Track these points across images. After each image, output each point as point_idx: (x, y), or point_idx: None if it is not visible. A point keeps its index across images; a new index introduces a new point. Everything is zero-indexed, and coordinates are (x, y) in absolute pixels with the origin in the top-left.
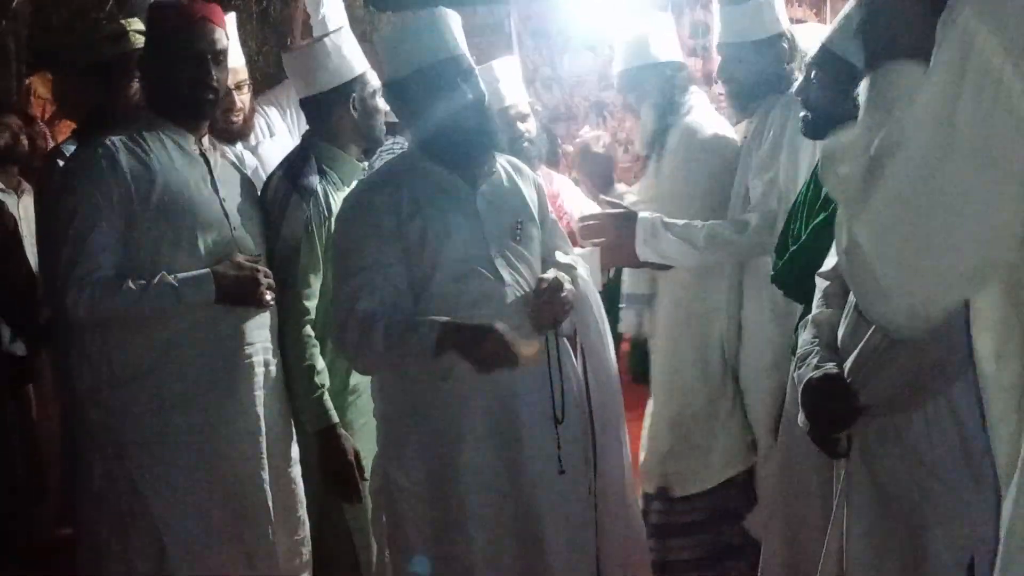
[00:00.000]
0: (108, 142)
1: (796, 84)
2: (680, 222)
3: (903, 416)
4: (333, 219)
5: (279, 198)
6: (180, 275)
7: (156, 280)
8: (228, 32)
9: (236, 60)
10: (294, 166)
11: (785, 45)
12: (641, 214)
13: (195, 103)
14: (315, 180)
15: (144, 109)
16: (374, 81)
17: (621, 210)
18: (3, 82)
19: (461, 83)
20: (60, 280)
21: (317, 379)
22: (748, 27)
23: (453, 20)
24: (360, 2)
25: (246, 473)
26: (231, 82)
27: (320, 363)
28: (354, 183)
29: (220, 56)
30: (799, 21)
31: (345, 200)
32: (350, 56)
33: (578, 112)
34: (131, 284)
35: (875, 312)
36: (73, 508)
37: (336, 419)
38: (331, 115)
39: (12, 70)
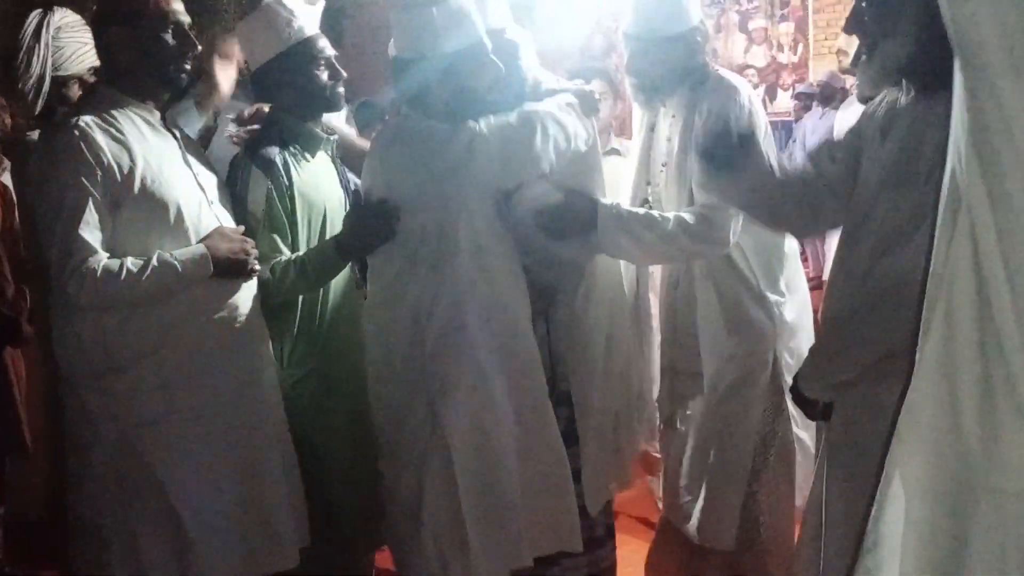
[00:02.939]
0: (82, 123)
1: (708, 76)
2: (640, 211)
3: (884, 385)
4: (295, 188)
5: (240, 172)
6: (176, 252)
7: (155, 259)
8: None
9: None
10: (255, 140)
11: (699, 39)
12: (602, 200)
13: (177, 76)
14: (274, 151)
15: (100, 86)
16: (327, 48)
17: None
18: None
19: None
20: (56, 269)
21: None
22: (661, 22)
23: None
24: None
25: (260, 442)
26: None
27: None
28: (320, 153)
29: (191, 28)
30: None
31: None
32: (306, 14)
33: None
34: (130, 266)
35: None
36: (61, 495)
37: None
38: (292, 81)
39: None
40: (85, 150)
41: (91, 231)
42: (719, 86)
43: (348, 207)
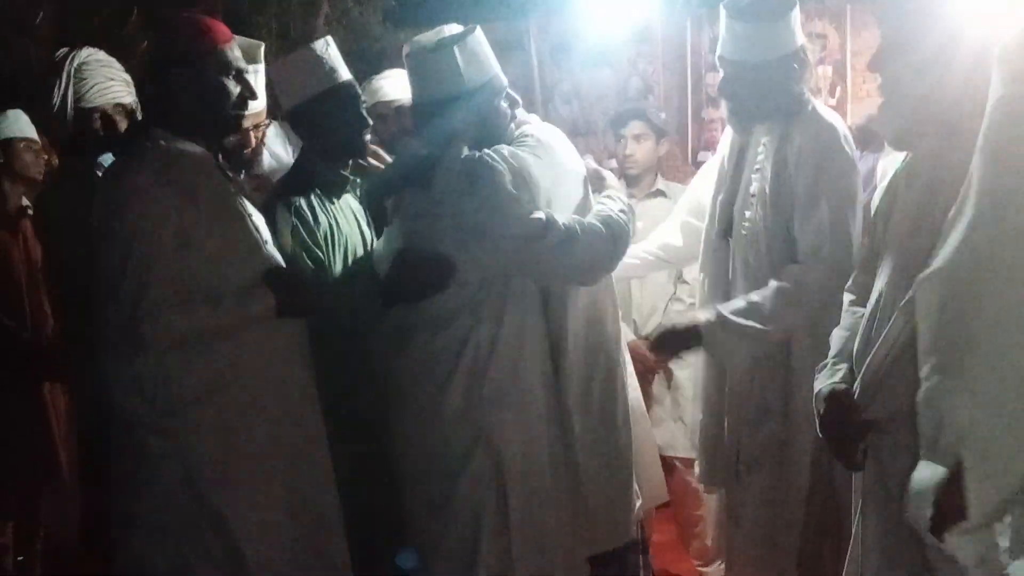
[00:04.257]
0: (150, 167)
1: (804, 106)
2: (739, 304)
3: (912, 430)
4: (320, 228)
5: (271, 214)
6: (241, 293)
7: (224, 300)
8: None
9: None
10: (284, 183)
11: (796, 66)
12: (701, 316)
13: (234, 120)
14: (298, 192)
15: (154, 128)
16: (358, 95)
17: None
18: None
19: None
20: (126, 310)
21: None
22: (760, 47)
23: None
24: (378, 20)
25: (315, 478)
26: (251, 123)
27: None
28: (347, 197)
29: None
30: (820, 35)
31: None
32: (339, 60)
33: (597, 128)
34: (201, 306)
35: None
36: (99, 528)
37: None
38: (321, 125)
39: None
40: (154, 193)
41: (162, 273)
42: (816, 123)
43: (373, 249)
